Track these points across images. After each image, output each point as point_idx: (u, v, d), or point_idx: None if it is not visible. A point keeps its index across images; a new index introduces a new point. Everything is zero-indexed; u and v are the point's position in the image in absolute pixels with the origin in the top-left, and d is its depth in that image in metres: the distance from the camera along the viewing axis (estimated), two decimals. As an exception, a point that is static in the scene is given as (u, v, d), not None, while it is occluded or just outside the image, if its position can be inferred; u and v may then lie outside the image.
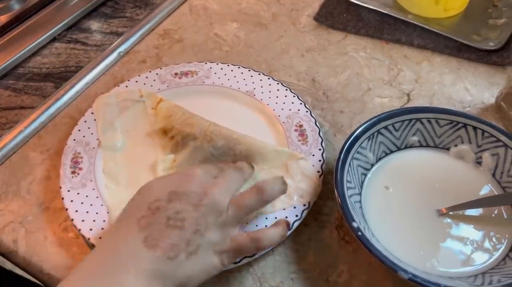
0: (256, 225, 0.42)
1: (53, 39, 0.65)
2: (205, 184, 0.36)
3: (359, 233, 0.38)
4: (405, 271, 0.35)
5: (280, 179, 0.40)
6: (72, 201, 0.44)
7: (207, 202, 0.35)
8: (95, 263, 0.34)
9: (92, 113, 0.52)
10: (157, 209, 0.34)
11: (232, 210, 0.36)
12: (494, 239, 0.41)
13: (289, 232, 0.42)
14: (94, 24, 0.68)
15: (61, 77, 0.60)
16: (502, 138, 0.44)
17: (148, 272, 0.32)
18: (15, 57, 0.61)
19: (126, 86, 0.55)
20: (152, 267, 0.32)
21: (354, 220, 0.38)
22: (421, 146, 0.47)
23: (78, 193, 0.45)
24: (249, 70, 0.56)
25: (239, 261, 0.40)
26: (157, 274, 0.32)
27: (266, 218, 0.43)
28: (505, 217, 0.42)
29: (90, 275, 0.33)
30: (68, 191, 0.45)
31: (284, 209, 0.43)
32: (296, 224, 0.42)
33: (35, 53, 0.63)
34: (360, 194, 0.44)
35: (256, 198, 0.38)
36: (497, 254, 0.40)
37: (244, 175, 0.40)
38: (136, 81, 0.55)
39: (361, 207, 0.43)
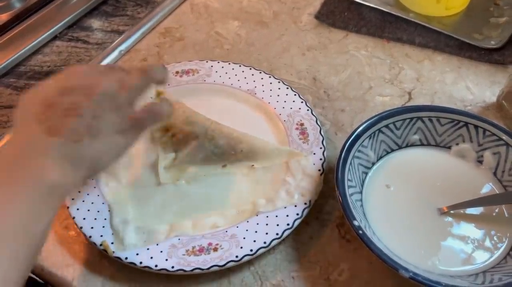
0: (257, 223, 0.43)
1: (54, 38, 0.65)
2: (92, 77, 0.38)
3: (360, 232, 0.38)
4: (406, 269, 0.35)
5: (161, 64, 0.44)
6: (73, 199, 0.44)
7: (98, 91, 0.36)
8: (6, 160, 0.34)
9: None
10: (52, 104, 0.35)
11: (122, 93, 0.38)
12: (495, 238, 0.41)
13: (290, 231, 0.42)
14: (95, 23, 0.68)
15: (62, 75, 0.60)
16: (504, 136, 0.44)
17: (58, 157, 0.34)
18: (16, 56, 0.61)
19: (127, 85, 0.55)
20: (60, 152, 0.34)
21: (355, 219, 0.38)
22: (422, 144, 0.47)
23: (79, 192, 0.45)
24: (250, 69, 0.56)
25: (241, 259, 0.40)
26: (67, 158, 0.34)
27: (267, 216, 0.43)
28: (506, 216, 0.42)
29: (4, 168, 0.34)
30: (69, 189, 0.45)
31: (285, 208, 0.43)
32: (297, 222, 0.43)
33: (36, 51, 0.63)
34: (361, 192, 0.44)
35: (140, 77, 0.40)
36: (498, 253, 0.40)
37: (144, 79, 0.40)
38: (137, 80, 0.55)
39: (362, 205, 0.43)
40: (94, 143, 0.36)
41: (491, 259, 0.40)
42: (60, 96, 0.36)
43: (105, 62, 0.60)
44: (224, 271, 0.41)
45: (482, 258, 0.40)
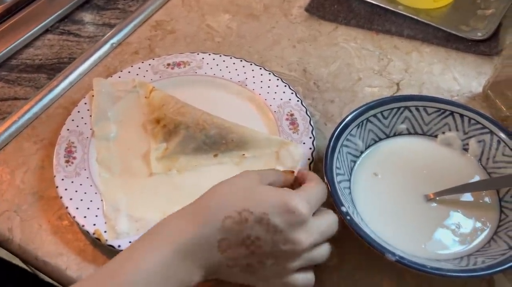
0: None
1: (46, 31, 0.65)
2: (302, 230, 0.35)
3: (348, 217, 0.38)
4: (393, 253, 0.36)
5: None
6: (66, 189, 0.45)
7: (287, 248, 0.35)
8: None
9: (85, 103, 0.52)
10: (245, 220, 0.34)
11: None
12: (479, 223, 0.42)
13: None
14: (87, 16, 0.68)
15: (54, 68, 0.60)
16: (488, 124, 0.45)
17: (205, 262, 0.35)
18: (7, 49, 0.61)
19: (119, 77, 0.55)
20: (210, 261, 0.35)
21: (343, 205, 0.39)
22: (409, 133, 0.48)
23: (72, 182, 0.46)
24: (241, 61, 0.56)
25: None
26: (211, 268, 0.35)
27: (258, 204, 0.44)
28: (490, 202, 0.43)
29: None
30: (62, 179, 0.46)
31: (275, 196, 0.44)
32: (287, 210, 0.43)
33: (28, 44, 0.63)
34: (349, 180, 0.45)
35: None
36: (482, 237, 0.41)
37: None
38: (129, 72, 0.56)
39: (350, 193, 0.44)
40: (238, 274, 0.36)
41: (475, 243, 0.41)
42: (255, 222, 0.34)
43: (97, 55, 0.61)
44: (216, 258, 0.42)
45: (466, 242, 0.41)
